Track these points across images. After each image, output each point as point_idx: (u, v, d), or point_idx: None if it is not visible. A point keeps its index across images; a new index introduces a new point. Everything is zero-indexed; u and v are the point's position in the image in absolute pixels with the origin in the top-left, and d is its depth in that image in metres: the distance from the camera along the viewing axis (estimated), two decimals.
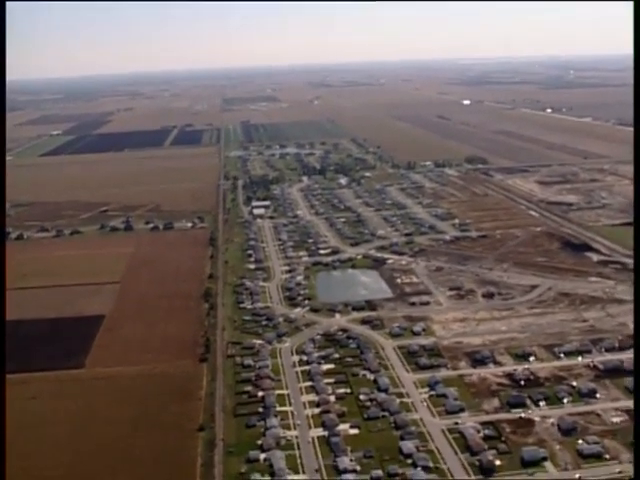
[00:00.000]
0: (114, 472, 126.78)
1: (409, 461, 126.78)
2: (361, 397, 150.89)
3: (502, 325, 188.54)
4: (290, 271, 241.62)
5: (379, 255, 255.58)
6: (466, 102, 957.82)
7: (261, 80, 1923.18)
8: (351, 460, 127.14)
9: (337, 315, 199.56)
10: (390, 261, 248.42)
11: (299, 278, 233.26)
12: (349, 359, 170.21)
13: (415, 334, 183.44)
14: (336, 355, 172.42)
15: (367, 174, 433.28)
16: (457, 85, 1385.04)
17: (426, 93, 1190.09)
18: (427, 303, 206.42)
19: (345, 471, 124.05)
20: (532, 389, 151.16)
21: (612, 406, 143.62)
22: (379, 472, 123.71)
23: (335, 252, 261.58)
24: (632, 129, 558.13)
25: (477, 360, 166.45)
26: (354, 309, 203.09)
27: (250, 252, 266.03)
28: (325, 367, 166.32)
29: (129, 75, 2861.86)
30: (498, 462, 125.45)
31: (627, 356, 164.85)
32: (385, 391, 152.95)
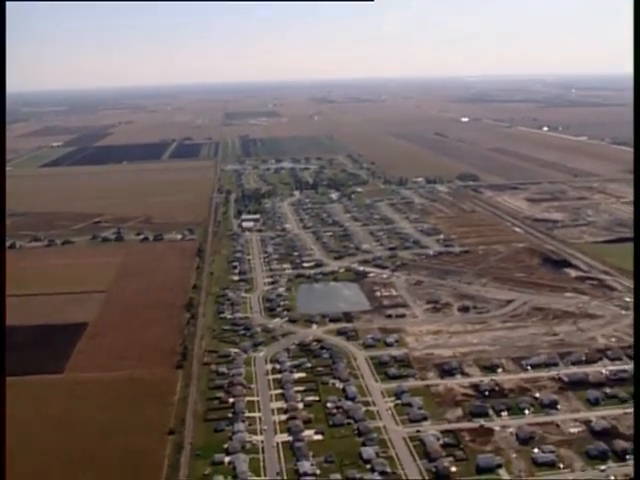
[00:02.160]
0: (83, 470, 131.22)
1: (368, 466, 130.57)
2: (328, 405, 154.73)
3: (474, 338, 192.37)
4: (273, 283, 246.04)
5: (361, 268, 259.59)
6: (464, 120, 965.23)
7: (263, 95, 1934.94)
8: (312, 464, 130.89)
9: (314, 326, 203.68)
10: (371, 274, 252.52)
11: (281, 290, 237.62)
12: (320, 368, 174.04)
13: (388, 345, 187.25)
14: (308, 364, 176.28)
15: (359, 189, 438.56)
16: (458, 103, 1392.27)
17: (426, 110, 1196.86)
18: (403, 316, 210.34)
19: (305, 474, 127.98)
20: (496, 399, 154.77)
21: (571, 417, 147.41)
22: (338, 476, 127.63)
23: (319, 265, 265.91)
24: (626, 148, 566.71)
25: (445, 371, 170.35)
26: (331, 320, 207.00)
27: (235, 264, 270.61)
28: (297, 376, 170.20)
29: (133, 88, 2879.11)
30: (454, 469, 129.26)
31: (593, 369, 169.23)
32: (352, 399, 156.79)
